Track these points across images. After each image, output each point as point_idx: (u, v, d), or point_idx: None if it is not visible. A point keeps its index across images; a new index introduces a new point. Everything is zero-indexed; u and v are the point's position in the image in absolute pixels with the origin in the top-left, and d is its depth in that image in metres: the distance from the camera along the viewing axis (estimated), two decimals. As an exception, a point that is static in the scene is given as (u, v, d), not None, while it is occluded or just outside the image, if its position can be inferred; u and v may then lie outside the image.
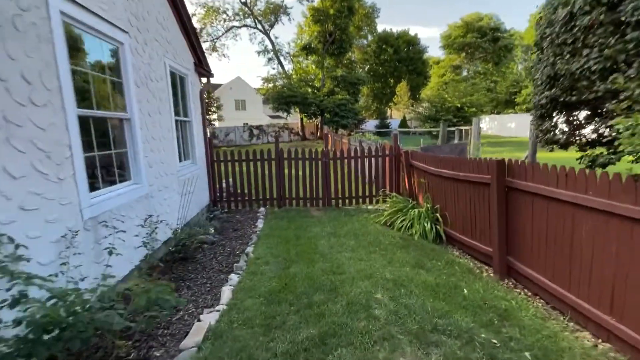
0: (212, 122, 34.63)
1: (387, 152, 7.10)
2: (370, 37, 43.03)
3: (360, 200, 7.17)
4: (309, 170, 7.01)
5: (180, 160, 5.59)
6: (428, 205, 5.16)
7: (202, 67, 6.60)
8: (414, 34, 46.89)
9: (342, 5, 28.54)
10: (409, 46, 46.58)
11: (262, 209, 7.05)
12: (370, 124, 34.92)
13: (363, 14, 34.22)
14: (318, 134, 32.59)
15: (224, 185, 7.16)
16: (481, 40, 35.12)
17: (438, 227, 4.88)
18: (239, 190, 7.14)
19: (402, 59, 44.81)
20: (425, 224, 4.88)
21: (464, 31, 36.53)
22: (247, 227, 5.91)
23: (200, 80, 6.81)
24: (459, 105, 19.91)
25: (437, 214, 4.96)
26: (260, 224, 5.98)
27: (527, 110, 37.59)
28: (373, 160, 7.16)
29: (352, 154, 7.09)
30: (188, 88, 5.99)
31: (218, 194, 7.11)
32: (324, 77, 31.07)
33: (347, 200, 7.15)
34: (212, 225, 5.65)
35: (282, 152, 6.98)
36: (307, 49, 31.09)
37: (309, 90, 30.83)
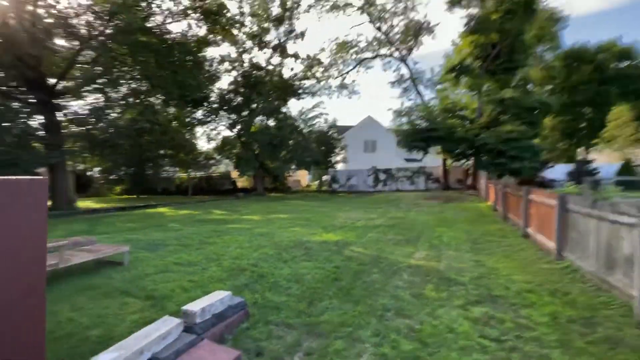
0: (334, 165, 30.63)
1: None
2: (549, 55, 31.43)
3: None
4: None
5: None
6: None
7: None
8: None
9: (513, 3, 19.91)
10: (620, 60, 31.82)
11: None
12: (558, 170, 22.84)
13: (545, 17, 24.20)
14: (468, 182, 23.25)
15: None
16: None
17: None
18: None
19: (609, 78, 30.39)
20: None
21: None
22: None
23: None
24: None
25: None
26: None
27: None
28: None
29: None
30: None
31: None
32: (482, 104, 22.23)
33: None
34: None
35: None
36: (457, 70, 23.31)
37: (457, 122, 22.56)
